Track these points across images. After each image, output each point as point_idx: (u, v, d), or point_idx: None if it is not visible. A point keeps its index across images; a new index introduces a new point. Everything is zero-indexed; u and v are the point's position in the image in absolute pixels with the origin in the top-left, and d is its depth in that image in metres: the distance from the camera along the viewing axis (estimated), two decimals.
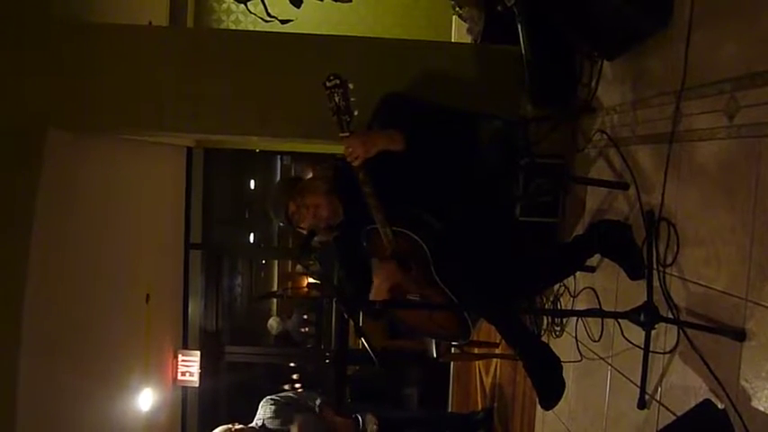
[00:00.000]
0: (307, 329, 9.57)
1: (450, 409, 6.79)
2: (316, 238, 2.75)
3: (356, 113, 2.50)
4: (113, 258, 4.88)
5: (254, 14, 3.84)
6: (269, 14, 3.65)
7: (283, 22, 3.70)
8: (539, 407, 3.61)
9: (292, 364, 9.27)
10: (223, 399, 7.90)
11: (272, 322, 9.13)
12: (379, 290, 2.69)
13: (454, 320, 2.76)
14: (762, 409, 1.93)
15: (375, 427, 4.76)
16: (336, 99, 2.44)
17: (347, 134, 2.50)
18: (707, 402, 2.12)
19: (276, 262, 11.91)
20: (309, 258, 2.55)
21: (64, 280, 4.16)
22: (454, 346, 4.29)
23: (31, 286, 3.68)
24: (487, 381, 5.28)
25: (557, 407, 3.00)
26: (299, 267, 10.51)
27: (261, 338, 9.95)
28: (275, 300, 10.61)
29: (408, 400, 7.95)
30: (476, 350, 4.96)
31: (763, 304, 1.94)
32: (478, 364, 5.57)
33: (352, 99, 2.46)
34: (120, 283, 5.07)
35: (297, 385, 9.17)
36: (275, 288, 11.74)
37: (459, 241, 2.74)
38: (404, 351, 5.81)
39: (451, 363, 6.65)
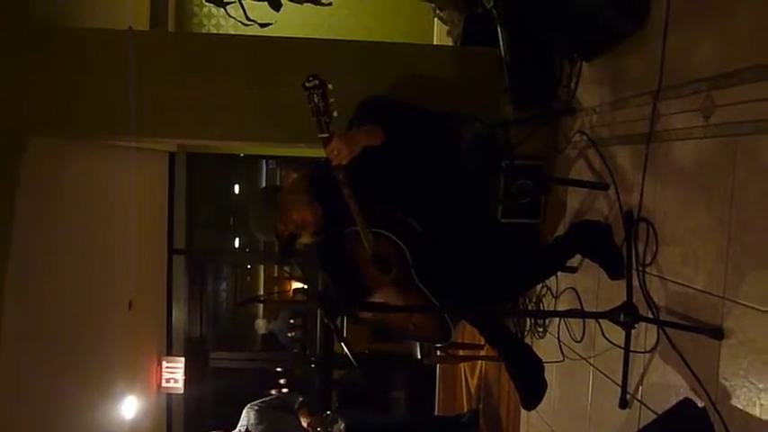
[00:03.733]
0: (293, 334, 9.54)
1: (436, 412, 6.78)
2: (299, 240, 2.74)
3: (336, 114, 2.49)
4: (95, 264, 4.85)
5: (234, 18, 3.82)
6: (248, 18, 3.64)
7: (263, 25, 3.68)
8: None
9: (279, 369, 9.25)
10: (209, 405, 7.86)
11: (260, 322, 9.12)
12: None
13: (434, 322, 2.76)
14: (740, 406, 1.94)
15: (341, 427, 4.79)
16: (316, 100, 2.43)
17: (327, 135, 2.48)
18: (687, 401, 2.13)
19: (262, 266, 11.87)
20: (291, 262, 2.52)
21: (44, 287, 4.12)
22: (438, 348, 4.28)
23: (10, 293, 3.65)
24: (473, 382, 5.28)
25: (540, 407, 2.99)
26: (286, 270, 10.50)
27: (247, 343, 9.91)
28: (262, 304, 10.57)
29: (395, 403, 7.94)
30: (461, 352, 4.96)
31: (740, 302, 1.95)
32: (464, 365, 5.57)
33: (331, 100, 2.45)
34: (103, 289, 5.03)
35: (284, 390, 9.14)
36: (261, 292, 11.70)
37: (439, 243, 2.73)
38: (388, 354, 5.81)
39: (437, 365, 6.64)
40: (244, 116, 3.71)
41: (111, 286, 5.23)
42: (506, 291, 2.93)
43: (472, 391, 5.31)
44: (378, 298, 2.76)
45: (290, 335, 9.69)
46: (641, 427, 2.40)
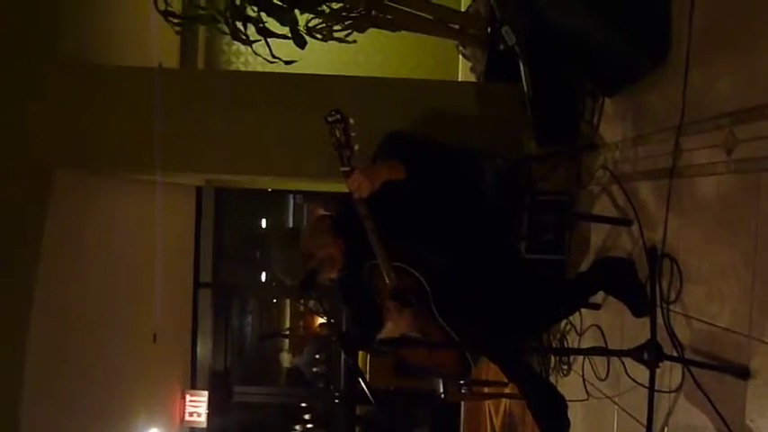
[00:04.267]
0: (317, 369, 9.50)
1: None
2: (323, 275, 2.75)
3: (357, 148, 2.51)
4: (120, 298, 4.89)
5: (260, 56, 3.89)
6: (273, 56, 3.70)
7: (287, 62, 3.75)
8: None
9: (304, 404, 9.20)
10: None
11: (285, 355, 9.11)
12: (391, 333, 2.69)
13: (454, 359, 2.73)
14: None
15: None
16: (337, 134, 2.45)
17: (348, 168, 2.50)
18: None
19: (288, 300, 11.88)
20: (310, 297, 2.53)
21: (68, 319, 4.16)
22: (462, 384, 4.23)
23: (34, 326, 3.69)
24: (497, 421, 5.20)
25: None
26: (310, 306, 10.50)
27: (272, 378, 9.89)
28: (287, 339, 10.58)
29: None
30: (485, 389, 4.89)
31: (766, 341, 1.90)
32: (489, 403, 5.48)
33: (352, 134, 2.48)
34: (127, 322, 5.06)
35: (309, 426, 9.08)
36: (287, 327, 11.71)
37: (460, 278, 2.72)
38: (412, 390, 5.75)
39: (462, 403, 6.56)
40: (267, 152, 3.75)
41: (136, 319, 5.26)
42: (528, 327, 2.90)
43: (497, 429, 5.22)
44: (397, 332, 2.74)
45: (314, 370, 9.66)
46: None
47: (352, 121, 2.47)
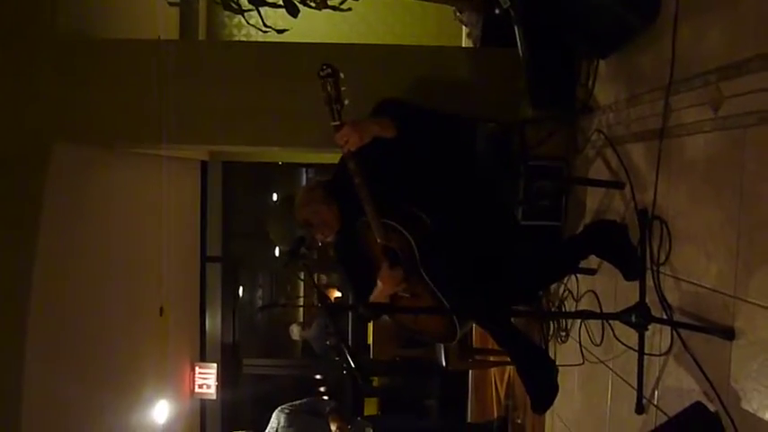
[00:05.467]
0: (329, 342, 9.53)
1: (468, 419, 6.72)
2: (324, 239, 2.78)
3: (347, 102, 2.53)
4: (124, 272, 4.92)
5: (254, 26, 3.86)
6: (265, 25, 3.67)
7: (279, 31, 3.71)
8: (547, 414, 3.54)
9: (318, 376, 9.25)
10: (244, 410, 7.90)
11: (294, 328, 9.13)
12: (381, 293, 2.70)
13: (440, 321, 2.72)
14: (751, 410, 1.86)
15: None
16: (329, 88, 2.48)
17: (338, 123, 2.53)
18: (698, 405, 2.05)
19: (303, 273, 11.87)
20: (297, 265, 2.54)
21: (72, 293, 4.19)
22: (463, 353, 4.23)
23: (37, 300, 3.71)
24: (502, 389, 5.20)
25: (563, 414, 2.95)
26: (324, 278, 10.52)
27: (285, 350, 9.95)
28: (301, 310, 10.61)
29: (431, 410, 7.88)
30: (491, 358, 4.89)
31: (750, 301, 1.87)
32: (494, 372, 5.49)
33: (343, 88, 2.50)
34: (132, 296, 5.10)
35: (324, 397, 9.14)
36: (301, 299, 11.75)
37: (451, 241, 2.70)
38: (419, 360, 5.76)
39: (470, 372, 6.58)
40: (264, 122, 3.74)
41: (141, 293, 5.30)
42: (519, 292, 2.88)
43: (501, 397, 5.22)
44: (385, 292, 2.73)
45: (327, 342, 9.68)
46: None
47: (342, 75, 2.48)
